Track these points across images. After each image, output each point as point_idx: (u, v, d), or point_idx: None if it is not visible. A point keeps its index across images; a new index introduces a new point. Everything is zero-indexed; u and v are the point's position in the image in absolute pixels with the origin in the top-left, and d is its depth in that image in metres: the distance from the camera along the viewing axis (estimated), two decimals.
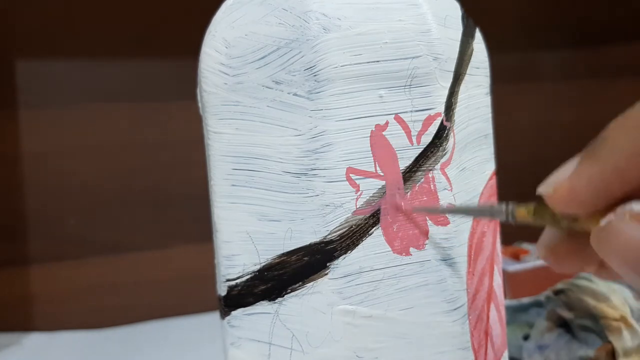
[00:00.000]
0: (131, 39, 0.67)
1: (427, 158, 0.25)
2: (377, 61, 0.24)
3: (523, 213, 0.20)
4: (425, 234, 0.25)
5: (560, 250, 0.20)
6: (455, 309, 0.25)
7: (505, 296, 0.47)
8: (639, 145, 0.16)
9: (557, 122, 0.81)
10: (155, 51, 0.68)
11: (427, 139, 0.25)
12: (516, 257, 0.63)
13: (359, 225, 0.24)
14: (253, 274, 0.26)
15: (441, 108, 0.25)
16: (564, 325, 0.42)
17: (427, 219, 0.25)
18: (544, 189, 0.19)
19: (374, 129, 0.24)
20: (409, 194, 0.25)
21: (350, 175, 0.24)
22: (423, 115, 0.25)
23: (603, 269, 0.20)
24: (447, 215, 0.25)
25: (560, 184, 0.18)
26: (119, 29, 0.66)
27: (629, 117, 0.17)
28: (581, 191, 0.17)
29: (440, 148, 0.25)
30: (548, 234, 0.20)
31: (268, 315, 0.26)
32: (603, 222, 0.17)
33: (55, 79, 0.65)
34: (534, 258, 0.61)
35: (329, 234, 0.24)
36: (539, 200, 0.19)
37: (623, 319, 0.38)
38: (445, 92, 0.26)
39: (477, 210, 0.23)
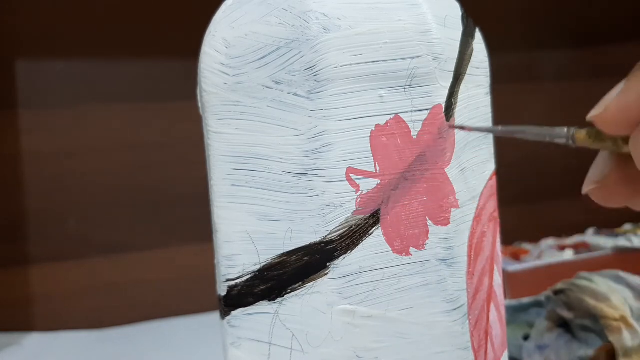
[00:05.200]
0: (131, 39, 0.67)
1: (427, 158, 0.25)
2: (377, 61, 0.24)
3: (583, 136, 0.19)
4: (426, 234, 0.25)
5: (609, 181, 0.19)
6: (455, 309, 0.25)
7: (505, 296, 0.47)
8: None
9: (557, 122, 0.81)
10: (155, 51, 0.68)
11: (427, 138, 0.25)
12: (516, 257, 0.63)
13: (359, 225, 0.24)
14: (253, 274, 0.26)
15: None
16: (564, 325, 0.42)
17: (427, 219, 0.25)
18: (593, 111, 0.18)
19: (374, 129, 0.24)
20: (409, 194, 0.25)
21: (350, 175, 0.24)
22: (423, 115, 0.25)
23: None
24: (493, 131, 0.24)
25: (610, 102, 0.17)
26: (119, 29, 0.66)
27: None
28: (631, 107, 0.17)
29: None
30: (597, 168, 0.20)
31: (268, 315, 0.26)
32: None
33: (55, 79, 0.65)
34: (534, 258, 0.62)
35: (329, 234, 0.24)
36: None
37: (623, 319, 0.38)
38: (445, 92, 0.26)
39: (535, 132, 0.22)
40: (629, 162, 0.17)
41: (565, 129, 0.20)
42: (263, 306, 0.26)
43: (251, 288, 0.26)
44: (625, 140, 0.18)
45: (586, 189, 0.20)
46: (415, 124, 0.25)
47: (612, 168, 0.19)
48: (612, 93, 0.18)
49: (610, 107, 0.17)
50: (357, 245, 0.24)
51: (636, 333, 0.38)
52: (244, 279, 0.27)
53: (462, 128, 0.24)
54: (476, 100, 0.28)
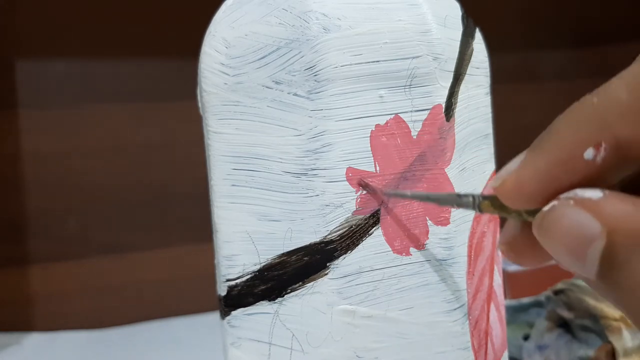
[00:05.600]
0: (131, 39, 0.67)
1: (427, 158, 0.25)
2: (377, 61, 0.24)
3: (488, 206, 0.20)
4: (426, 234, 0.25)
5: (519, 244, 0.20)
6: (455, 309, 0.25)
7: (505, 296, 0.47)
8: (582, 136, 0.16)
9: None
10: (155, 51, 0.68)
11: (427, 138, 0.25)
12: None
13: (359, 225, 0.24)
14: (253, 274, 0.26)
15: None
16: (564, 325, 0.42)
17: (427, 219, 0.25)
18: (493, 182, 0.18)
19: (374, 129, 0.24)
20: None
21: (350, 175, 0.24)
22: (423, 115, 0.25)
23: None
24: (429, 203, 0.25)
25: (507, 176, 0.18)
26: (119, 29, 0.66)
27: (574, 109, 0.17)
28: (527, 183, 0.17)
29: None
30: (507, 230, 0.20)
31: (268, 315, 0.26)
32: (546, 208, 0.17)
33: (55, 79, 0.65)
34: None
35: (329, 234, 0.24)
36: None
37: (623, 319, 0.38)
38: (445, 92, 0.26)
39: (445, 199, 0.23)
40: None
41: (471, 198, 0.21)
42: (263, 306, 0.26)
43: (251, 288, 0.26)
44: (529, 211, 0.18)
45: (498, 246, 0.20)
46: (415, 124, 0.25)
47: (520, 232, 0.19)
48: (511, 165, 0.18)
49: (507, 182, 0.18)
50: (357, 245, 0.24)
51: (636, 333, 0.38)
52: (244, 279, 0.27)
53: (374, 190, 0.24)
54: (476, 100, 0.28)
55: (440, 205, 0.24)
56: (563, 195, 0.16)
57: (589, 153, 0.16)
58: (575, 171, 0.16)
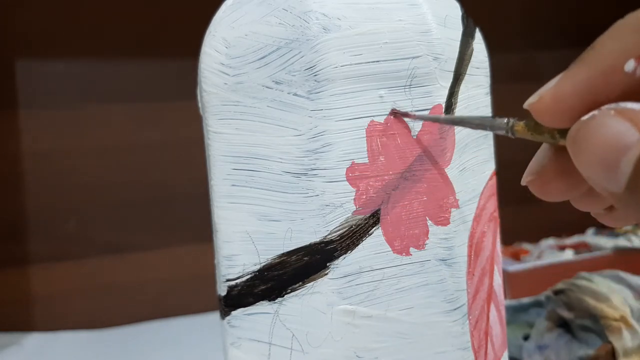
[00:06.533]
0: (131, 39, 0.67)
1: (427, 158, 0.25)
2: (377, 61, 0.24)
3: (522, 127, 0.19)
4: (426, 234, 0.25)
5: (547, 173, 0.19)
6: (455, 309, 0.25)
7: (505, 296, 0.47)
8: (624, 48, 0.16)
9: None
10: (155, 51, 0.68)
11: (427, 138, 0.25)
12: (516, 257, 0.63)
13: (359, 225, 0.24)
14: (253, 274, 0.26)
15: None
16: (564, 325, 0.42)
17: (427, 219, 0.25)
18: (530, 99, 0.18)
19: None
20: (408, 194, 0.25)
21: (350, 175, 0.24)
22: None
23: (587, 196, 0.19)
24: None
25: (545, 92, 0.17)
26: (119, 30, 0.66)
27: (618, 24, 0.16)
28: (566, 97, 0.17)
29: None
30: (536, 160, 0.20)
31: (268, 315, 0.26)
32: (586, 117, 0.16)
33: (55, 79, 0.65)
34: (534, 258, 0.62)
35: (329, 234, 0.24)
36: None
37: (623, 319, 0.38)
38: (445, 92, 0.26)
39: (477, 122, 0.22)
40: (566, 155, 0.17)
41: (505, 120, 0.20)
42: (263, 306, 0.26)
43: (251, 288, 0.26)
44: (562, 132, 0.17)
45: (524, 180, 0.20)
46: (415, 123, 0.25)
47: (550, 160, 0.19)
48: (550, 83, 0.17)
49: (545, 97, 0.17)
50: (357, 245, 0.24)
51: (636, 333, 0.38)
52: (244, 279, 0.27)
53: (406, 115, 0.24)
54: (476, 100, 0.28)
55: (472, 128, 0.23)
56: (605, 106, 0.16)
57: (629, 65, 0.16)
58: (614, 84, 0.16)
